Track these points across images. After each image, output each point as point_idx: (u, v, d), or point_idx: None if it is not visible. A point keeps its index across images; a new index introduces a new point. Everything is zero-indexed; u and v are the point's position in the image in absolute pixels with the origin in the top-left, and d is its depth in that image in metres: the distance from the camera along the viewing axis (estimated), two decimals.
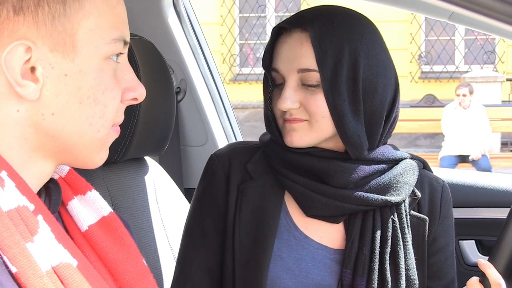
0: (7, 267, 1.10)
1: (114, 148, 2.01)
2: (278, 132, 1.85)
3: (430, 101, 14.49)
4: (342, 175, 1.80)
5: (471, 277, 1.77)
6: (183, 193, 2.43)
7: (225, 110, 2.97)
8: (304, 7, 14.78)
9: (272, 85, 1.85)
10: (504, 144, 13.23)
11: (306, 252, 1.83)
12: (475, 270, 1.77)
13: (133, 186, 2.20)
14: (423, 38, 15.82)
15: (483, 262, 1.75)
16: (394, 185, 1.83)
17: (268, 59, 1.85)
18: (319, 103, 1.75)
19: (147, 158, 2.31)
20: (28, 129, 1.19)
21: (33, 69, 1.16)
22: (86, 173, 2.00)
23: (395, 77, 1.84)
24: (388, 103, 1.81)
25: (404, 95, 14.94)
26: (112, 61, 1.24)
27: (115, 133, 1.31)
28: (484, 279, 1.74)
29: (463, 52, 15.65)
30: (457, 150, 10.53)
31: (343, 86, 1.73)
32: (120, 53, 1.27)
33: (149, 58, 2.09)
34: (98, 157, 1.30)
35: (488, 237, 2.55)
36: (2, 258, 1.10)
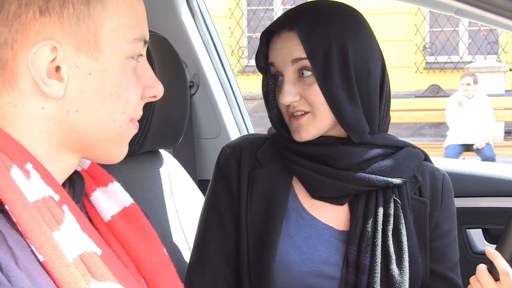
0: (35, 256, 1.12)
1: (131, 141, 1.98)
2: (286, 130, 1.92)
3: (435, 91, 14.45)
4: (345, 157, 1.86)
5: (478, 264, 1.78)
6: (196, 184, 2.44)
7: (237, 102, 2.98)
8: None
9: (273, 85, 1.92)
10: (507, 133, 13.16)
11: (314, 231, 1.88)
12: (482, 258, 1.77)
13: (148, 178, 2.21)
14: (427, 29, 15.76)
15: (491, 251, 1.75)
16: (396, 168, 1.88)
17: (264, 63, 1.91)
18: (316, 93, 1.81)
19: (161, 150, 2.32)
20: (52, 125, 1.21)
21: (58, 68, 1.18)
22: (103, 166, 2.03)
23: (381, 58, 1.90)
24: (379, 85, 1.87)
25: (409, 86, 15.00)
26: (133, 59, 1.25)
27: (134, 128, 1.32)
28: (492, 268, 1.74)
29: (467, 42, 15.60)
30: (461, 139, 10.50)
31: (335, 74, 1.79)
32: (141, 54, 1.28)
33: (164, 53, 2.10)
34: (120, 152, 1.31)
35: (494, 225, 2.55)
36: (30, 247, 1.12)
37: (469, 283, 1.79)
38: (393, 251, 1.82)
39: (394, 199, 1.87)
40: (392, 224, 1.84)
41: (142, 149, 2.06)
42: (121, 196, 1.40)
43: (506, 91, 13.82)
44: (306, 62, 1.80)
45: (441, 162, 2.59)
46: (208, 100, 2.89)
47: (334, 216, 1.90)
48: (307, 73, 1.81)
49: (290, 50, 1.82)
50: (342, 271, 1.84)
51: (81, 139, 1.24)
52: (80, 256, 1.17)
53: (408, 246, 1.83)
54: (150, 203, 2.18)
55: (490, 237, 2.60)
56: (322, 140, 1.88)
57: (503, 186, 2.55)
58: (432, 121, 12.43)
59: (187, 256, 2.15)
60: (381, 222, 1.84)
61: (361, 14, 1.91)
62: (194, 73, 2.83)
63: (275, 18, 1.94)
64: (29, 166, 1.17)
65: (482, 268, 1.76)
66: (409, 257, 1.83)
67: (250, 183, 1.94)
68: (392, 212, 1.85)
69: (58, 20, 1.16)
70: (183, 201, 2.33)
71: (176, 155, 2.59)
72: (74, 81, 1.19)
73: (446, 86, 14.65)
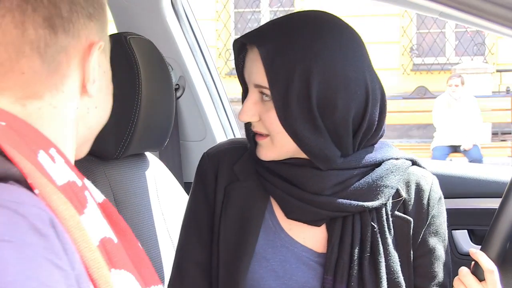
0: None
1: (116, 144, 2.03)
2: (255, 142, 1.83)
3: (422, 93, 14.50)
4: (315, 181, 1.76)
5: (463, 265, 1.78)
6: (183, 187, 2.44)
7: (223, 105, 2.97)
8: (297, 2, 14.88)
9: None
10: (494, 134, 13.18)
11: (291, 254, 1.81)
12: (468, 259, 1.77)
13: (134, 181, 2.21)
14: (414, 31, 15.83)
15: (475, 251, 1.75)
16: (374, 189, 1.77)
17: (241, 71, 1.83)
18: (272, 120, 1.72)
19: (147, 153, 2.32)
20: (76, 124, 1.25)
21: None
22: (88, 169, 2.03)
23: (364, 90, 1.73)
24: (355, 116, 1.73)
25: (396, 87, 15.05)
26: None
27: None
28: (476, 268, 1.74)
29: (454, 44, 15.67)
30: (448, 141, 10.54)
31: (295, 105, 1.68)
32: None
33: (149, 56, 2.10)
34: (89, 147, 1.38)
35: (480, 226, 2.55)
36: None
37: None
38: (369, 280, 1.75)
39: (371, 223, 1.77)
40: (369, 251, 1.76)
41: (128, 152, 2.06)
42: (93, 193, 1.40)
43: (493, 92, 13.91)
44: (266, 90, 1.71)
45: (427, 164, 2.59)
46: (193, 103, 2.90)
47: (312, 238, 1.82)
48: (266, 98, 1.73)
49: (254, 72, 1.73)
50: None
51: (89, 135, 1.32)
52: (102, 240, 1.17)
53: (387, 273, 1.76)
54: (136, 206, 2.18)
55: (475, 238, 2.60)
56: (290, 161, 1.80)
57: (488, 188, 2.55)
58: (419, 123, 12.49)
59: (172, 257, 2.14)
60: (357, 249, 1.76)
61: (347, 29, 1.76)
62: (179, 76, 2.82)
63: (262, 20, 1.91)
64: (53, 151, 1.18)
65: (464, 269, 1.76)
66: (388, 283, 1.76)
67: (226, 198, 1.87)
68: (369, 237, 1.76)
69: (100, 24, 1.25)
70: (169, 204, 2.32)
71: (162, 157, 2.60)
72: (98, 80, 1.26)
73: (433, 87, 14.70)
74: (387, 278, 1.75)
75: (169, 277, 2.01)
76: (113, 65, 1.99)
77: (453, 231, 2.61)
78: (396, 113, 12.38)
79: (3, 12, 1.17)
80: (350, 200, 1.76)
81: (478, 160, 10.20)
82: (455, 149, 10.52)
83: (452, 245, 2.60)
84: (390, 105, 12.69)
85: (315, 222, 1.80)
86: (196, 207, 1.94)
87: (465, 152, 10.37)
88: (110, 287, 1.12)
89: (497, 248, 1.76)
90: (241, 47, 1.81)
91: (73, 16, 1.20)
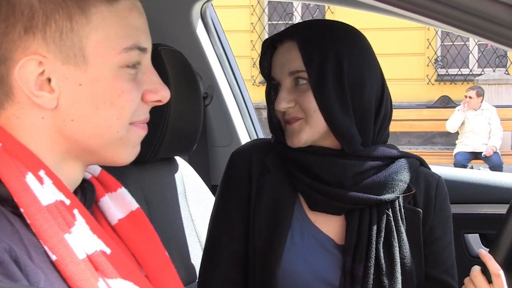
0: (48, 256, 1.13)
1: (146, 148, 2.03)
2: (282, 133, 1.92)
3: (445, 102, 14.37)
4: (338, 170, 1.86)
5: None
6: (210, 189, 2.45)
7: (249, 112, 2.99)
8: (328, 14, 14.85)
9: (274, 95, 1.92)
10: None
11: (317, 242, 1.88)
12: (479, 261, 1.76)
13: (164, 183, 2.22)
14: (439, 43, 15.70)
15: (484, 253, 1.75)
16: (389, 183, 1.86)
17: (267, 68, 1.94)
18: (310, 99, 1.81)
19: (177, 157, 2.33)
20: (54, 134, 1.22)
21: (50, 80, 1.18)
22: (120, 172, 2.03)
23: (381, 77, 1.90)
24: (376, 100, 1.87)
25: (421, 96, 14.97)
26: (129, 68, 1.24)
27: (141, 131, 1.31)
28: (485, 269, 1.74)
29: (477, 56, 15.51)
30: (470, 147, 10.50)
31: (330, 83, 1.80)
32: (138, 62, 1.26)
33: (178, 66, 2.11)
34: (124, 154, 1.30)
35: (490, 230, 2.54)
36: (43, 247, 1.13)
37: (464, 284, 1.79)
38: (384, 263, 1.82)
39: (386, 213, 1.86)
40: (384, 237, 1.84)
41: (158, 156, 2.07)
42: (128, 201, 1.41)
43: None
44: (302, 74, 1.82)
45: (442, 171, 2.58)
46: (221, 110, 2.90)
47: (334, 228, 1.90)
48: (302, 81, 1.83)
49: (289, 62, 1.84)
50: (340, 279, 1.85)
51: (82, 146, 1.24)
52: (90, 255, 1.19)
53: (400, 257, 1.84)
54: (165, 206, 2.19)
55: (486, 241, 2.59)
56: (316, 150, 1.88)
57: (499, 194, 2.54)
58: (442, 130, 12.36)
59: (199, 255, 2.16)
60: (375, 236, 1.83)
61: (359, 32, 1.91)
62: (208, 85, 2.83)
63: None
64: (42, 172, 1.19)
65: (476, 269, 1.77)
66: (401, 267, 1.83)
67: (259, 190, 1.93)
68: (384, 226, 1.85)
69: (41, 37, 1.16)
70: (197, 205, 2.33)
71: (191, 162, 2.60)
72: (66, 92, 1.19)
73: (456, 97, 14.55)
74: (400, 262, 1.83)
75: (197, 270, 2.07)
76: None
77: (465, 235, 2.60)
78: (421, 121, 12.42)
79: None
80: (369, 193, 1.84)
81: (499, 166, 10.11)
82: (476, 155, 10.46)
83: (464, 248, 2.59)
84: (414, 113, 12.71)
85: (336, 213, 1.89)
86: (226, 202, 2.00)
87: (485, 158, 10.29)
88: None
89: (503, 253, 1.75)
90: (268, 46, 1.93)
91: (8, 29, 1.16)
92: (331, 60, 1.80)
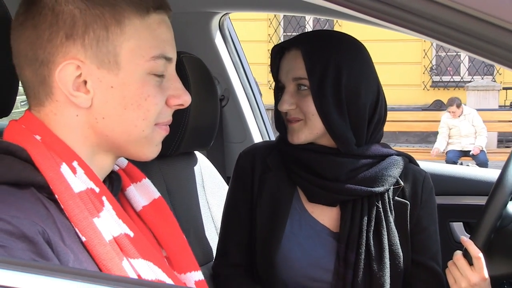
0: (78, 237, 1.15)
1: (168, 144, 2.03)
2: (285, 130, 1.92)
3: (439, 105, 14.33)
4: (333, 167, 1.86)
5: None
6: (225, 180, 2.44)
7: (260, 113, 2.97)
8: (336, 27, 14.82)
9: (280, 92, 1.91)
10: (500, 141, 13.09)
11: (313, 231, 1.89)
12: (463, 246, 1.76)
13: (184, 174, 2.22)
14: (434, 53, 15.67)
15: (466, 239, 1.75)
16: (380, 178, 1.86)
17: (275, 72, 1.92)
18: (309, 104, 1.81)
19: (196, 152, 2.32)
20: (87, 130, 1.23)
21: (86, 83, 1.19)
22: (145, 165, 2.03)
23: (377, 86, 1.87)
24: (371, 106, 1.85)
25: (418, 100, 14.95)
26: (156, 75, 1.25)
27: (163, 131, 1.31)
28: (466, 253, 1.73)
29: (467, 65, 15.50)
30: (459, 147, 10.50)
31: (328, 91, 1.79)
32: (163, 73, 1.27)
33: (198, 71, 2.10)
34: (148, 151, 1.30)
35: (473, 219, 2.52)
36: (74, 229, 1.15)
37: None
38: (373, 249, 1.81)
39: (376, 204, 1.85)
40: (373, 226, 1.84)
41: (179, 150, 2.06)
42: (151, 190, 1.42)
43: (499, 106, 13.74)
44: (304, 81, 1.81)
45: (430, 166, 2.58)
46: (236, 111, 2.89)
47: (329, 218, 1.90)
48: (304, 87, 1.82)
49: (293, 69, 1.83)
50: (334, 265, 1.84)
51: (111, 141, 1.25)
52: (115, 237, 1.20)
53: (389, 244, 1.83)
54: (185, 195, 2.19)
55: (469, 229, 2.58)
56: (315, 147, 1.88)
57: (480, 187, 2.53)
58: (436, 130, 12.34)
59: (215, 239, 2.17)
60: (365, 225, 1.83)
61: (360, 44, 1.88)
62: (225, 88, 2.83)
63: None
64: (75, 163, 1.20)
65: (458, 253, 1.76)
66: (389, 254, 1.82)
67: (261, 186, 1.95)
68: (374, 216, 1.84)
69: (81, 44, 1.17)
70: (213, 194, 2.33)
71: (209, 156, 2.60)
72: (99, 93, 1.20)
73: None
74: (388, 248, 1.82)
75: (215, 252, 2.08)
76: None
77: (450, 223, 2.59)
78: (417, 122, 12.43)
79: (13, 31, 1.22)
80: (361, 186, 1.84)
81: (485, 163, 10.08)
82: (465, 153, 10.45)
83: (450, 235, 2.58)
84: (412, 115, 12.70)
85: (331, 204, 1.88)
86: (235, 197, 2.02)
87: (473, 156, 10.29)
88: (122, 272, 1.16)
89: (483, 238, 1.74)
90: (278, 51, 1.92)
91: (52, 35, 1.17)
92: (331, 71, 1.78)
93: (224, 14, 2.79)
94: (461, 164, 10.11)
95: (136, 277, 1.20)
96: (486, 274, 1.70)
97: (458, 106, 10.55)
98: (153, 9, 1.24)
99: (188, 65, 2.04)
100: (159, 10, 1.25)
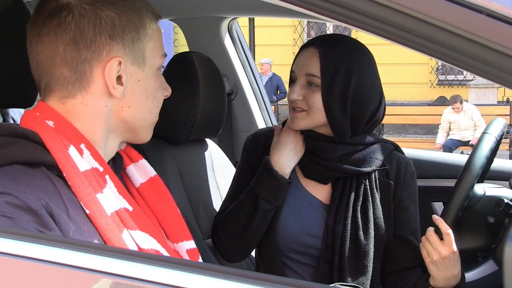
0: (83, 210, 1.17)
1: (180, 131, 2.05)
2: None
3: (442, 101, 14.22)
4: (328, 152, 1.87)
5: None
6: (234, 164, 2.45)
7: (265, 105, 2.98)
8: (353, 33, 14.72)
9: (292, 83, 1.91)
10: None
11: (306, 202, 1.90)
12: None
13: (195, 158, 2.23)
14: None
15: (437, 217, 1.73)
16: (367, 159, 1.87)
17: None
18: (316, 99, 1.81)
19: (208, 140, 2.34)
20: (110, 117, 1.26)
21: (119, 77, 1.24)
22: (158, 151, 2.05)
23: (380, 94, 1.87)
24: (372, 109, 1.85)
25: (425, 97, 14.81)
26: (160, 69, 1.32)
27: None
28: (438, 230, 1.72)
29: None
30: (458, 137, 10.51)
31: (336, 91, 1.79)
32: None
33: (206, 68, 2.11)
34: (150, 135, 1.36)
35: None
36: (80, 203, 1.17)
37: None
38: (360, 221, 1.82)
39: (364, 182, 1.86)
40: (361, 201, 1.85)
41: (190, 137, 2.08)
42: (148, 169, 1.43)
43: (498, 101, 13.61)
44: (315, 79, 1.80)
45: (415, 153, 2.57)
46: (243, 103, 2.90)
47: (321, 192, 1.91)
48: (313, 85, 1.81)
49: (308, 65, 1.82)
50: (323, 234, 1.86)
51: (128, 126, 1.29)
52: (116, 211, 1.21)
53: (374, 218, 1.84)
54: (196, 178, 2.20)
55: None
56: (314, 134, 1.88)
57: (458, 170, 2.48)
58: (440, 123, 12.30)
59: None
60: (353, 200, 1.85)
61: (371, 54, 1.87)
62: (233, 84, 2.85)
63: None
64: (82, 146, 1.22)
65: (430, 229, 1.74)
66: (374, 225, 1.83)
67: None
68: (361, 193, 1.85)
69: (121, 43, 1.22)
70: (222, 176, 2.34)
71: (220, 143, 2.62)
72: (129, 86, 1.25)
73: None
74: (373, 221, 1.84)
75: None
76: (179, 76, 2.02)
77: (432, 203, 2.58)
78: (424, 116, 12.51)
79: (45, 33, 1.21)
80: (351, 166, 1.86)
81: None
82: (464, 143, 10.46)
83: (431, 213, 2.55)
84: (419, 109, 12.63)
85: (324, 181, 1.90)
86: (241, 168, 2.04)
87: (473, 146, 10.17)
88: (121, 243, 1.18)
89: (452, 216, 1.73)
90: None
91: (96, 36, 1.20)
92: (342, 74, 1.78)
93: (232, 19, 2.80)
94: (462, 153, 10.02)
95: (134, 246, 1.22)
96: (455, 248, 1.69)
97: (461, 102, 10.52)
98: (159, 17, 1.32)
99: (198, 63, 2.05)
100: (159, 17, 1.33)
